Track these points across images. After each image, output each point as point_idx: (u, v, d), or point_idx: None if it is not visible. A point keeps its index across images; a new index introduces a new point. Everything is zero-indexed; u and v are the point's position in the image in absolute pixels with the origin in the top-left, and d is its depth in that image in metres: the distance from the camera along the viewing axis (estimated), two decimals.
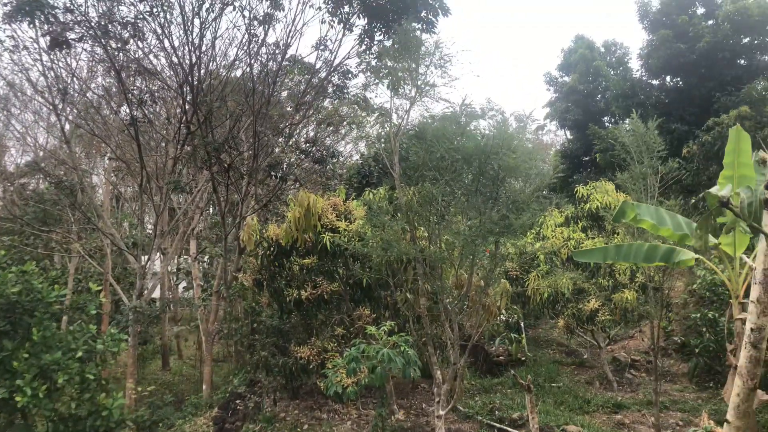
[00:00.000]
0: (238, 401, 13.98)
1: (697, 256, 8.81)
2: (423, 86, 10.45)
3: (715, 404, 12.59)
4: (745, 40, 24.08)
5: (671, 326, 16.36)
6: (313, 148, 23.70)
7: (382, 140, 11.18)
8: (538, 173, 10.68)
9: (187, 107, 18.14)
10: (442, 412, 10.27)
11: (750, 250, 8.95)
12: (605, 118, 36.64)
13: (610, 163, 26.90)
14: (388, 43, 15.64)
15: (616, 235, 15.12)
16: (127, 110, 19.40)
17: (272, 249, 11.80)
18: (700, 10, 26.20)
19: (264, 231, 12.12)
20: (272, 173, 18.44)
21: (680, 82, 25.92)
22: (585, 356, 18.38)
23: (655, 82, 30.17)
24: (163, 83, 19.01)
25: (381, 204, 11.09)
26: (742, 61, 24.14)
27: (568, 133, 40.83)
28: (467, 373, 15.62)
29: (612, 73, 36.76)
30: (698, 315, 12.49)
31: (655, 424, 11.32)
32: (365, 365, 7.99)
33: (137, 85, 20.32)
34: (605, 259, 9.67)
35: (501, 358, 16.67)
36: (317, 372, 11.31)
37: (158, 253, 30.86)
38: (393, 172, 10.38)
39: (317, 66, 20.84)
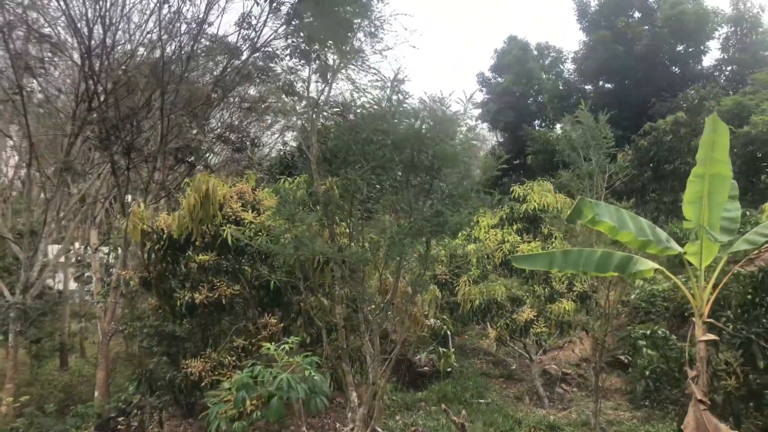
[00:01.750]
0: (121, 419, 11.95)
1: (656, 266, 7.68)
2: (348, 52, 8.83)
3: (653, 426, 11.65)
4: (680, 48, 23.90)
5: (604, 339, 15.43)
6: (233, 136, 21.71)
7: (301, 119, 9.50)
8: (479, 165, 9.33)
9: (87, 77, 15.83)
10: None
11: (716, 262, 7.90)
12: (537, 121, 36.30)
13: (542, 165, 26.26)
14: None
15: (553, 240, 14.03)
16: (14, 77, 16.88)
17: (163, 242, 9.86)
18: (638, 14, 25.94)
19: (154, 221, 10.17)
20: (181, 158, 16.37)
21: (616, 86, 25.52)
22: (513, 367, 17.29)
23: (589, 87, 29.94)
24: (56, 48, 16.54)
25: (295, 193, 9.40)
26: (677, 69, 23.96)
27: (499, 135, 40.30)
28: (388, 387, 14.15)
29: (545, 77, 36.50)
30: (641, 330, 11.45)
31: None
32: (261, 393, 6.30)
33: (29, 51, 17.68)
34: (550, 267, 8.37)
35: (426, 368, 15.29)
36: (213, 389, 9.49)
37: (54, 244, 27.89)
38: (309, 155, 8.71)
39: (239, 45, 18.96)
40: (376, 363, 8.92)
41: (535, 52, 38.42)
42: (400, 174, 8.54)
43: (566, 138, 11.02)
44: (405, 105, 8.59)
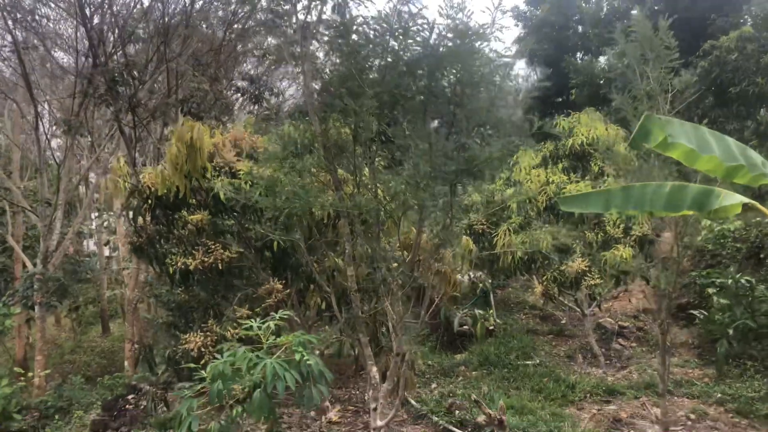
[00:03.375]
0: (131, 396, 11.02)
1: (746, 200, 5.97)
2: None
3: (728, 387, 10.02)
4: None
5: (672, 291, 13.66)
6: (246, 84, 20.22)
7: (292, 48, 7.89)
8: (511, 89, 7.65)
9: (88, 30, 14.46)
10: (380, 423, 7.41)
11: None
12: (579, 54, 33.56)
13: (588, 99, 24.04)
14: None
15: (605, 178, 12.24)
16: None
17: (149, 202, 8.56)
18: None
19: (140, 177, 8.85)
20: (187, 108, 15.01)
21: (667, 4, 22.80)
22: (563, 321, 15.75)
23: (635, 11, 27.18)
24: None
25: (295, 136, 7.91)
26: None
27: (538, 72, 37.64)
28: (423, 351, 12.84)
29: (584, 5, 33.59)
30: (718, 278, 9.58)
31: (661, 419, 8.69)
32: (242, 384, 4.98)
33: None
34: (607, 208, 6.70)
35: (465, 328, 13.87)
36: None
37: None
38: (304, 87, 7.15)
39: None
40: (399, 330, 7.53)
41: None
42: (415, 104, 6.93)
43: (619, 54, 9.14)
44: (418, 18, 6.90)
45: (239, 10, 17.62)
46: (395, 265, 7.95)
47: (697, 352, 12.21)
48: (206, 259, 8.20)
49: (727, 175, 5.67)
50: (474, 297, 14.50)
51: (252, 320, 5.45)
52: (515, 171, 13.41)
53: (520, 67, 37.90)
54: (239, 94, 20.66)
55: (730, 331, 8.15)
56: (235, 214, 8.58)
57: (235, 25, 17.95)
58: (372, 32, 6.88)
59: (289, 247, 8.55)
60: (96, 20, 14.76)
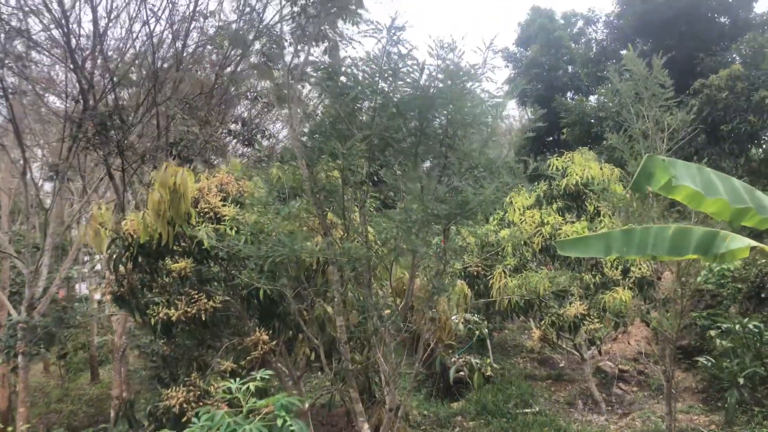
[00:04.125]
0: None
1: (754, 243, 5.71)
2: None
3: None
4: None
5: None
6: (238, 127, 20.10)
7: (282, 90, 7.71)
8: (504, 130, 7.45)
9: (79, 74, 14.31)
10: None
11: None
12: (569, 93, 33.81)
13: (579, 138, 24.05)
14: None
15: (600, 219, 12.01)
16: None
17: (131, 250, 8.23)
18: None
19: (122, 224, 8.54)
20: (176, 151, 14.78)
21: (655, 44, 22.99)
22: (562, 365, 15.32)
23: (624, 51, 27.46)
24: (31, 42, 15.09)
25: (282, 180, 7.67)
26: (726, 19, 21.35)
27: (529, 112, 37.83)
28: (417, 400, 12.37)
29: (574, 46, 34.00)
30: (724, 323, 9.19)
31: None
32: None
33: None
34: (608, 252, 6.45)
35: (462, 374, 13.39)
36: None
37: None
38: (290, 130, 6.94)
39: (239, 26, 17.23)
40: (393, 383, 7.15)
41: (562, 21, 35.89)
42: (407, 146, 6.71)
43: (612, 93, 9.00)
44: (408, 59, 6.73)
45: (231, 53, 17.63)
46: (387, 312, 7.62)
47: (701, 397, 11.81)
48: (189, 310, 7.84)
49: (734, 218, 5.43)
50: (469, 341, 14.07)
51: (232, 380, 5.08)
52: (509, 211, 13.17)
53: (512, 107, 38.18)
54: (231, 137, 20.53)
55: (741, 380, 7.76)
56: (221, 261, 8.25)
57: (228, 68, 17.92)
58: (361, 74, 6.72)
59: (277, 295, 8.21)
60: (87, 66, 14.65)
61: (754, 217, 5.41)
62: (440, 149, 6.80)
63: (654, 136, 8.38)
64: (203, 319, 7.82)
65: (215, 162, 16.21)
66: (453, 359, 13.49)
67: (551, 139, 32.11)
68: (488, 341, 14.73)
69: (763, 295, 12.78)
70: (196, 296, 7.93)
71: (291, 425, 4.47)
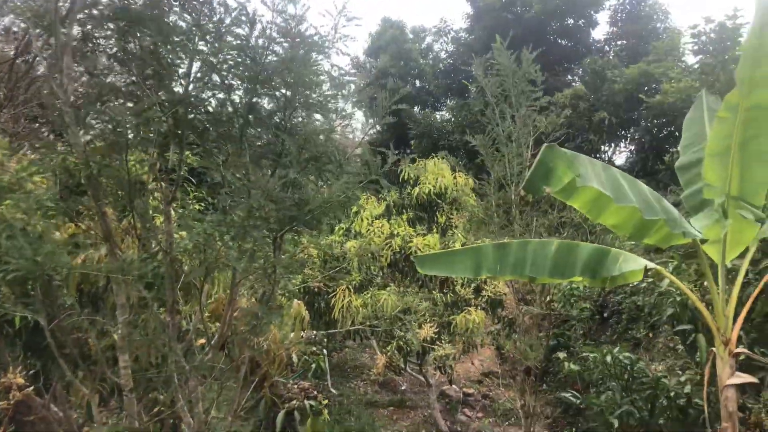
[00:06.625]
0: None
1: (651, 264, 4.79)
2: None
3: None
4: (569, 20, 22.05)
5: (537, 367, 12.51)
6: None
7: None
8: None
9: None
10: None
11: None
12: (416, 107, 33.82)
13: (426, 150, 23.70)
14: None
15: (452, 230, 11.06)
16: None
17: None
18: None
19: None
20: None
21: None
22: (403, 387, 14.21)
23: (472, 67, 27.88)
24: None
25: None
26: (568, 42, 22.11)
27: (377, 125, 37.40)
28: None
29: (423, 61, 34.15)
30: (591, 352, 8.31)
31: None
32: None
33: None
34: (478, 273, 5.23)
35: (295, 402, 11.71)
36: None
37: None
38: (59, 91, 4.91)
39: None
40: None
41: (411, 36, 36.01)
42: (226, 117, 5.00)
43: (477, 90, 8.03)
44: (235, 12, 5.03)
45: None
46: (200, 342, 5.80)
47: (546, 423, 11.22)
48: None
49: (636, 232, 4.43)
50: (305, 366, 12.46)
51: None
52: (356, 221, 11.84)
53: (359, 118, 37.47)
54: None
55: (615, 423, 6.89)
56: None
57: None
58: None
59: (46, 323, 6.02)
60: None
61: (661, 230, 4.43)
62: (275, 133, 5.17)
63: (520, 140, 7.42)
64: None
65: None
66: (286, 389, 11.81)
67: (398, 152, 31.77)
68: (326, 362, 13.23)
69: (605, 315, 12.63)
70: None
71: None
